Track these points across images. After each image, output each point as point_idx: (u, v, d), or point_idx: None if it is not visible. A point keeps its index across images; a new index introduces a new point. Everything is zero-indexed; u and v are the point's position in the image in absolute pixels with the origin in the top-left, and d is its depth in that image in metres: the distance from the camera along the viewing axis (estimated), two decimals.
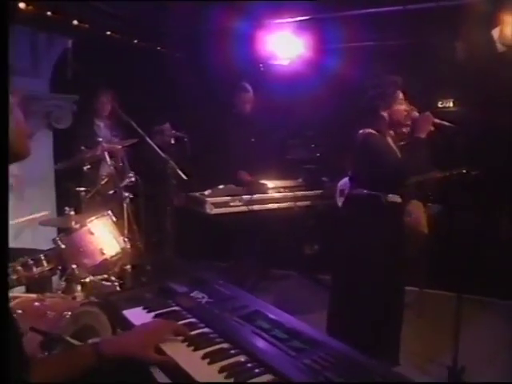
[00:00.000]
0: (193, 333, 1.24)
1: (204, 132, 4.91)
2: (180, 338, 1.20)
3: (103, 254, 3.06)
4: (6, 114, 0.94)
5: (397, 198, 2.63)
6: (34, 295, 2.34)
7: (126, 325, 1.35)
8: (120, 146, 3.88)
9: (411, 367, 2.91)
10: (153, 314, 1.38)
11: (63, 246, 2.82)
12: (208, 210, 3.86)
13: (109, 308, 1.58)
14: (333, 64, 4.49)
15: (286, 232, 4.52)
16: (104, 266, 3.12)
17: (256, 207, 4.04)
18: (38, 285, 2.60)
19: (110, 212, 3.34)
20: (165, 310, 1.40)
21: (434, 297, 3.96)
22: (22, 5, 3.33)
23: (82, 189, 3.51)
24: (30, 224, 3.05)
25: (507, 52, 3.86)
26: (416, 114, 2.60)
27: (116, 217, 3.42)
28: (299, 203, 4.24)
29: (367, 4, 4.17)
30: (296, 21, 4.66)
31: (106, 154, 3.64)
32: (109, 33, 4.31)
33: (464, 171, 2.96)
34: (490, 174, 3.75)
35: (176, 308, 1.42)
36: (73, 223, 2.96)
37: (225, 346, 1.18)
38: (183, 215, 4.43)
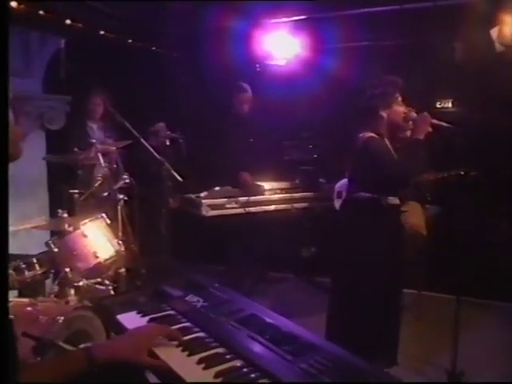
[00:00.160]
0: (188, 337, 1.23)
1: (201, 133, 4.90)
2: (175, 342, 1.20)
3: (97, 257, 3.05)
4: (6, 114, 0.93)
5: (396, 200, 2.64)
6: (26, 300, 2.34)
7: (120, 329, 1.35)
8: (114, 148, 3.87)
9: (410, 370, 2.92)
10: (147, 318, 1.38)
11: (56, 250, 2.81)
12: (204, 212, 3.86)
13: (102, 312, 1.58)
14: (330, 64, 4.50)
15: (282, 234, 4.52)
16: (98, 270, 3.11)
17: (253, 209, 4.04)
18: (30, 289, 2.59)
19: (103, 214, 3.33)
20: (159, 314, 1.40)
21: (433, 299, 3.97)
22: (13, 4, 3.31)
23: (76, 191, 3.50)
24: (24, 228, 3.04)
25: (506, 52, 3.88)
26: (414, 114, 2.61)
27: (110, 219, 3.41)
28: (296, 205, 4.24)
29: (364, 3, 4.19)
30: (293, 20, 4.67)
31: (100, 155, 3.63)
32: (102, 32, 4.29)
33: (462, 172, 2.97)
34: (489, 175, 3.77)
35: (171, 312, 1.42)
36: (66, 226, 2.96)
37: (220, 350, 1.18)
38: (179, 217, 4.42)
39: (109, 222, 3.36)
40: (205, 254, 4.63)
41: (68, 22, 3.84)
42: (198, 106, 5.20)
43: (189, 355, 1.15)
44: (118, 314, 1.42)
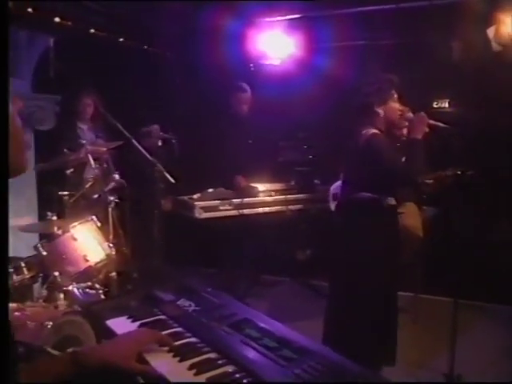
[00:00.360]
0: (179, 342, 1.22)
1: (195, 133, 4.89)
2: (165, 348, 1.19)
3: (87, 260, 3.03)
4: (6, 114, 0.90)
5: (393, 201, 2.65)
6: (14, 304, 2.31)
7: (110, 335, 1.34)
8: (105, 149, 3.85)
9: (407, 374, 2.92)
10: (137, 323, 1.37)
11: (45, 253, 2.79)
12: (197, 215, 3.85)
13: (92, 317, 1.57)
14: (325, 64, 4.51)
15: (277, 236, 4.52)
16: (88, 274, 3.10)
17: (247, 211, 4.03)
18: (18, 293, 2.57)
19: (94, 217, 3.31)
20: (150, 319, 1.39)
21: (430, 302, 3.98)
22: None
23: (65, 193, 3.48)
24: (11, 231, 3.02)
25: (503, 51, 3.91)
26: (410, 114, 2.62)
27: (101, 222, 3.40)
28: (291, 207, 4.24)
29: (359, 2, 4.21)
30: (287, 19, 4.68)
31: (90, 156, 3.61)
32: (93, 30, 4.28)
33: (459, 172, 2.98)
34: (486, 174, 3.79)
35: (162, 317, 1.41)
36: (55, 229, 2.94)
37: (212, 355, 1.17)
38: (171, 220, 4.40)
39: (99, 224, 3.34)
40: (198, 257, 4.62)
41: (57, 20, 3.83)
42: (192, 106, 5.19)
43: (180, 361, 1.14)
44: (108, 319, 1.40)
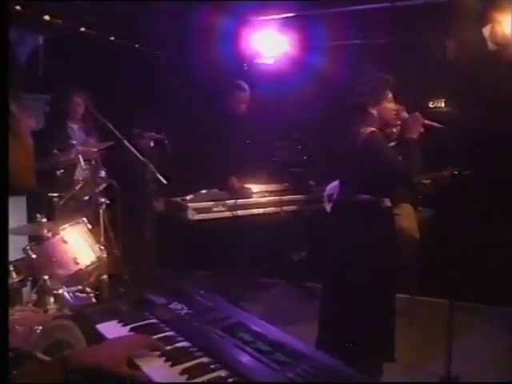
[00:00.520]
0: (170, 347, 1.22)
1: (188, 133, 4.89)
2: (157, 352, 1.19)
3: (77, 263, 3.02)
4: (6, 115, 0.89)
5: (388, 202, 2.66)
6: None
7: (100, 339, 1.33)
8: (95, 149, 3.84)
9: (402, 376, 2.93)
10: (128, 327, 1.36)
11: (34, 256, 2.78)
12: (190, 216, 3.84)
13: (82, 322, 1.56)
14: (319, 63, 4.52)
15: (272, 238, 4.52)
16: (78, 277, 3.08)
17: (240, 213, 4.03)
18: None
19: (84, 219, 3.30)
20: (141, 323, 1.39)
21: (426, 304, 4.00)
22: None
23: (55, 194, 3.46)
24: None
25: (499, 50, 3.93)
26: (405, 114, 2.63)
27: (91, 224, 3.38)
28: (286, 208, 4.25)
29: (354, 1, 4.22)
30: (281, 18, 4.69)
31: (81, 157, 3.60)
32: (83, 29, 4.26)
33: (456, 172, 3.00)
34: (484, 175, 3.81)
35: (153, 320, 1.41)
36: (45, 231, 2.93)
37: (205, 360, 1.17)
38: (163, 222, 4.40)
39: (90, 226, 3.33)
40: (191, 259, 4.60)
41: (46, 18, 3.81)
42: (185, 105, 5.19)
43: (172, 365, 1.14)
44: (98, 323, 1.40)
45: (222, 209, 3.98)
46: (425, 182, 3.39)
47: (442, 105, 4.58)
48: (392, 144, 2.71)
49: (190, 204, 3.88)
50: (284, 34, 4.76)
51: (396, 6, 4.11)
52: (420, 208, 3.82)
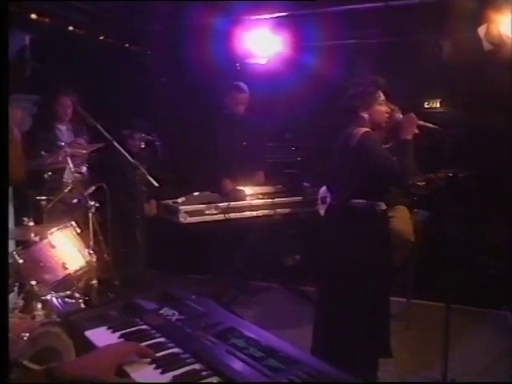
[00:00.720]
0: (161, 353, 1.21)
1: (180, 135, 4.88)
2: (147, 359, 1.18)
3: (66, 268, 3.00)
4: (6, 115, 0.89)
5: (383, 206, 2.67)
6: None
7: (89, 346, 1.32)
8: (85, 151, 3.82)
9: (399, 381, 2.93)
10: (118, 333, 1.35)
11: (21, 261, 2.76)
12: (181, 219, 3.83)
13: (70, 328, 1.55)
14: (313, 63, 4.54)
15: (265, 241, 4.52)
16: (67, 282, 3.07)
17: (233, 215, 4.03)
18: None
19: (73, 223, 3.28)
20: (131, 330, 1.38)
21: (422, 307, 4.01)
22: None
23: (43, 197, 3.44)
24: None
25: (494, 51, 3.96)
26: (399, 115, 2.64)
27: (80, 228, 3.36)
28: (279, 210, 4.24)
29: (348, 0, 4.24)
30: (274, 17, 4.70)
31: (69, 159, 3.58)
32: (71, 28, 4.24)
33: (451, 174, 3.02)
34: (479, 176, 3.84)
35: (144, 327, 1.40)
36: (32, 235, 2.90)
37: (196, 367, 1.16)
38: (154, 225, 4.38)
39: (79, 230, 3.31)
40: (183, 263, 4.59)
41: (33, 16, 3.78)
42: (177, 106, 5.18)
43: (162, 372, 1.14)
44: (87, 330, 1.39)
45: (215, 211, 3.97)
46: (420, 183, 3.40)
47: (438, 105, 4.61)
48: (386, 146, 2.73)
49: (181, 207, 3.87)
50: (277, 34, 4.77)
51: (390, 6, 4.14)
52: (415, 210, 3.83)
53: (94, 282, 3.37)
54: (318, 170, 4.47)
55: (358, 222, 2.63)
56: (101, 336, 1.35)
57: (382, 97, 2.65)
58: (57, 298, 2.88)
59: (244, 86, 4.34)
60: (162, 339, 1.31)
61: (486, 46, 3.97)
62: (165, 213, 4.13)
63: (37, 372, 1.11)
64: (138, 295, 1.64)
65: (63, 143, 3.69)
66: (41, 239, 2.94)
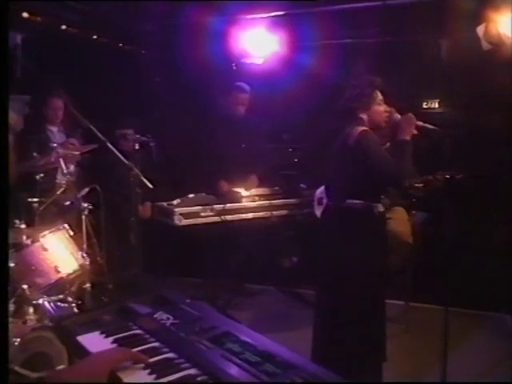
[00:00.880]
0: (155, 358, 1.21)
1: (175, 135, 4.87)
2: (141, 365, 1.17)
3: (59, 272, 2.99)
4: (6, 115, 0.89)
5: (381, 208, 2.67)
6: None
7: (81, 352, 1.31)
8: (77, 152, 3.81)
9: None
10: (111, 338, 1.35)
11: (12, 264, 2.74)
12: (177, 222, 3.82)
13: (62, 333, 1.54)
14: (309, 63, 4.54)
15: (261, 243, 4.52)
16: (60, 286, 3.06)
17: (229, 217, 4.02)
18: None
19: (66, 225, 3.27)
20: (125, 334, 1.37)
21: (421, 310, 4.02)
22: None
23: (35, 199, 3.42)
24: None
25: (493, 50, 3.98)
26: (398, 116, 2.65)
27: (73, 230, 3.35)
28: (276, 212, 4.25)
29: None
30: (270, 17, 4.70)
31: (62, 160, 3.56)
32: (64, 27, 4.23)
33: (448, 176, 3.02)
34: (477, 177, 3.85)
35: (137, 331, 1.39)
36: (24, 238, 2.89)
37: (191, 372, 1.16)
38: (149, 227, 4.37)
39: (72, 233, 3.30)
40: (178, 266, 4.59)
41: (25, 15, 3.77)
42: (172, 107, 5.17)
43: (156, 378, 1.13)
44: (79, 335, 1.38)
45: (210, 214, 3.97)
46: (418, 185, 3.42)
47: (436, 105, 4.62)
48: (385, 146, 2.74)
49: (176, 209, 3.86)
50: (273, 34, 4.78)
51: (388, 5, 4.15)
52: (413, 212, 3.84)
53: (87, 285, 3.36)
54: (315, 172, 4.47)
55: (354, 224, 2.64)
56: (94, 341, 1.34)
57: (380, 96, 2.66)
58: (49, 302, 2.86)
59: (246, 86, 4.34)
60: (156, 344, 1.30)
61: (485, 45, 3.99)
62: (159, 215, 4.12)
63: (28, 381, 1.11)
64: (131, 299, 1.63)
65: (55, 144, 3.67)
66: (33, 242, 2.93)
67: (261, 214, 4.18)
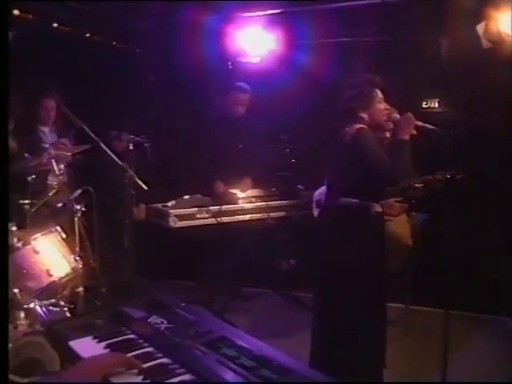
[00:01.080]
0: (149, 364, 1.21)
1: (170, 136, 4.86)
2: (135, 371, 1.17)
3: (50, 275, 2.98)
4: (6, 115, 0.89)
5: (379, 208, 2.67)
6: None
7: (74, 357, 1.31)
8: (69, 153, 3.80)
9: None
10: (104, 343, 1.34)
11: None
12: (172, 224, 3.82)
13: (54, 338, 1.53)
14: (307, 62, 4.55)
15: (258, 246, 4.51)
16: (52, 290, 3.04)
17: (225, 219, 4.02)
18: None
19: (58, 227, 3.26)
20: (118, 339, 1.37)
21: (421, 313, 4.02)
22: None
23: (26, 201, 3.41)
24: None
25: (493, 49, 4.00)
26: (397, 115, 2.66)
27: (66, 233, 3.34)
28: (273, 214, 4.25)
29: None
30: (267, 15, 4.71)
31: (54, 161, 3.55)
32: (56, 25, 4.22)
33: (449, 175, 3.03)
34: (478, 177, 3.86)
35: (131, 336, 1.39)
36: (15, 241, 2.88)
37: (186, 377, 1.16)
38: (143, 230, 4.37)
39: (64, 235, 3.29)
40: (173, 269, 4.58)
41: (16, 12, 3.76)
42: (167, 106, 5.17)
43: None
44: (71, 340, 1.37)
45: (206, 215, 3.96)
46: (417, 185, 3.42)
47: (436, 105, 4.63)
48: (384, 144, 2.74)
49: (171, 211, 3.86)
50: (270, 32, 4.78)
51: (386, 3, 4.16)
52: (413, 213, 3.85)
53: (80, 289, 3.34)
54: (313, 173, 4.47)
55: (349, 223, 2.64)
56: (86, 346, 1.34)
57: (379, 95, 2.67)
58: (41, 307, 2.85)
59: (246, 86, 4.33)
60: (150, 349, 1.30)
61: (485, 43, 4.00)
62: (154, 217, 4.11)
63: None
64: (125, 303, 1.63)
65: (47, 145, 3.66)
66: (24, 245, 2.91)
67: (257, 215, 4.18)
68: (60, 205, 3.69)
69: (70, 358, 1.33)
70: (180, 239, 4.06)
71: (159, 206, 4.04)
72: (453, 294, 2.90)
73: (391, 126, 2.67)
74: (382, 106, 2.67)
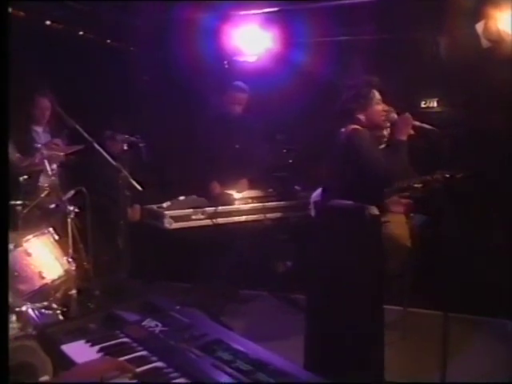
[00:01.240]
0: (143, 368, 1.21)
1: (165, 136, 4.86)
2: (128, 375, 1.17)
3: (43, 277, 2.98)
4: (6, 115, 0.90)
5: (375, 210, 2.68)
6: None
7: (66, 361, 1.31)
8: (62, 153, 3.79)
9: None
10: (97, 347, 1.34)
11: None
12: (167, 225, 3.82)
13: (46, 342, 1.53)
14: (304, 60, 4.55)
15: (255, 248, 4.52)
16: (44, 292, 3.04)
17: (221, 220, 4.03)
18: None
19: (51, 229, 3.26)
20: (111, 343, 1.37)
21: (420, 316, 4.03)
22: None
23: (18, 202, 3.40)
24: None
25: (492, 48, 4.01)
26: (394, 115, 2.66)
27: (58, 234, 3.34)
28: (269, 215, 4.25)
29: None
30: (263, 13, 4.71)
31: (46, 161, 3.54)
32: (49, 22, 4.21)
33: (448, 175, 3.04)
34: (477, 177, 3.87)
35: (125, 340, 1.39)
36: None
37: (181, 381, 1.16)
38: (138, 231, 4.36)
39: (57, 237, 3.29)
40: (168, 271, 4.58)
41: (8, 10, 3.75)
42: (162, 106, 5.16)
43: None
44: (64, 344, 1.37)
45: (202, 216, 3.97)
46: (416, 186, 3.43)
47: (435, 104, 4.64)
48: (381, 146, 2.74)
49: (166, 212, 3.86)
50: (267, 30, 4.78)
51: (385, 0, 4.17)
52: (411, 214, 3.85)
53: (73, 291, 3.34)
54: (310, 173, 4.48)
55: (344, 224, 2.64)
56: (79, 350, 1.34)
57: (377, 96, 2.68)
58: (33, 310, 2.84)
59: (244, 85, 4.34)
60: (144, 353, 1.30)
61: (485, 42, 4.02)
62: (149, 218, 4.11)
63: None
64: (119, 306, 1.63)
65: (39, 145, 3.66)
66: (15, 247, 2.91)
67: (254, 216, 4.19)
68: (52, 206, 3.68)
69: (63, 362, 1.33)
70: (175, 241, 4.06)
71: (154, 206, 4.04)
72: (451, 296, 2.91)
73: (389, 125, 2.68)
74: (380, 107, 2.68)
